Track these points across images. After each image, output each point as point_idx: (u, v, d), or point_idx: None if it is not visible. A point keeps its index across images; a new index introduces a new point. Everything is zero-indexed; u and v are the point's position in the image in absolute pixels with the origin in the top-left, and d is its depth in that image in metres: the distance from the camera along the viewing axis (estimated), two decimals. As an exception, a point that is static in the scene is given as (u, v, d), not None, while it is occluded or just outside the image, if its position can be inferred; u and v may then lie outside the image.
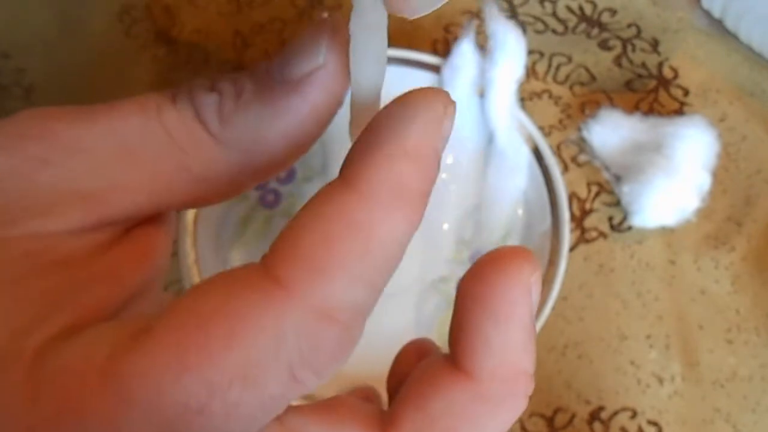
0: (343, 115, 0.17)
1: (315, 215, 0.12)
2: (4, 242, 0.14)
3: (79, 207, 0.14)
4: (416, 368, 0.15)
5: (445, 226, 0.33)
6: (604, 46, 0.39)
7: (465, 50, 0.31)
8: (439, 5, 0.13)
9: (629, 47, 0.39)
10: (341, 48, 0.16)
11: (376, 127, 0.13)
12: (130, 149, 0.15)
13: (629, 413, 0.32)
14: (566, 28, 0.39)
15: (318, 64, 0.16)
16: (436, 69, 0.32)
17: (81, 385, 0.11)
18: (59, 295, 0.13)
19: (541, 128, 0.33)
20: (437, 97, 0.13)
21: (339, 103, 0.17)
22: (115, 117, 0.15)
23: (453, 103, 0.13)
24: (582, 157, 0.36)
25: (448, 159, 0.33)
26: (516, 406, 0.14)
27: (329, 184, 0.13)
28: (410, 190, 0.12)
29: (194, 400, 0.11)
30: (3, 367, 0.12)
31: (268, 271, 0.12)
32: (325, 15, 0.17)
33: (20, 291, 0.13)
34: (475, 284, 0.14)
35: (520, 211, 0.33)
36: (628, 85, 0.38)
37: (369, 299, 0.12)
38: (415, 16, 0.12)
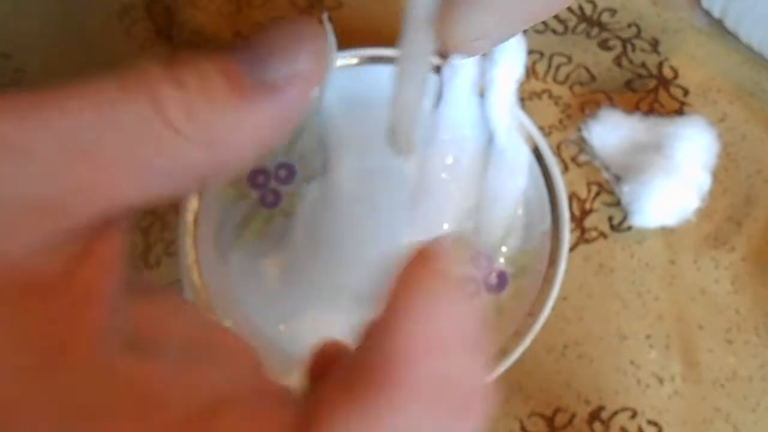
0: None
1: None
2: None
3: (38, 219, 0.13)
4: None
5: (445, 226, 0.33)
6: (604, 46, 0.39)
7: (465, 50, 0.31)
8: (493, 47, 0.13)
9: (629, 47, 0.39)
10: (320, 55, 0.15)
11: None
12: (86, 148, 0.14)
13: (629, 413, 0.32)
14: (566, 28, 0.39)
15: (296, 70, 0.15)
16: (436, 69, 0.32)
17: None
18: (41, 337, 0.12)
19: (541, 128, 0.33)
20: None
21: (308, 106, 0.17)
22: (67, 113, 0.13)
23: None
24: (582, 157, 0.36)
25: (448, 159, 0.33)
26: None
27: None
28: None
29: None
30: None
31: None
32: (325, 15, 0.17)
33: None
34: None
35: (520, 211, 0.33)
36: (628, 85, 0.38)
37: None
38: (470, 57, 0.13)
